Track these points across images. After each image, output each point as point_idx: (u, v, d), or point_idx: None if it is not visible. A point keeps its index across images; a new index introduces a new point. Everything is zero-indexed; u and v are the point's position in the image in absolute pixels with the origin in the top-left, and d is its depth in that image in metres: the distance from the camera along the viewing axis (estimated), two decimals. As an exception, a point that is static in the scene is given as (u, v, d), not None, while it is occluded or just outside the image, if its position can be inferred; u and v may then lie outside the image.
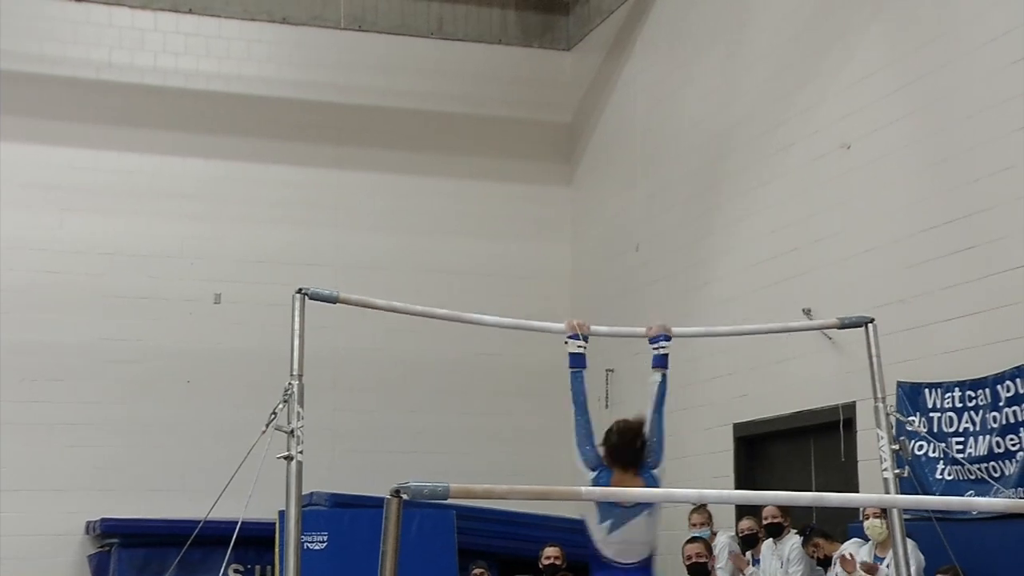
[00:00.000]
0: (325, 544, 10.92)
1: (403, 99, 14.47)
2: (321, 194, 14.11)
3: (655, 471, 5.90)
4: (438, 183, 14.51)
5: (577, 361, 6.10)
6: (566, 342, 6.21)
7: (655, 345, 6.20)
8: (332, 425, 13.00)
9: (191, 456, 12.75)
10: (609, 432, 5.92)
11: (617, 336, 6.57)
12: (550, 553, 10.35)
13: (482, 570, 10.69)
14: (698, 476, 11.47)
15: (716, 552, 9.92)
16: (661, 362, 6.21)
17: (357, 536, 10.69)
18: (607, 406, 13.38)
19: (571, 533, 12.71)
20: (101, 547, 12.58)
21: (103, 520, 12.32)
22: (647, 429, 5.99)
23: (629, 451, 5.81)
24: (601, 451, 5.91)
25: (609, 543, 5.80)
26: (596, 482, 5.81)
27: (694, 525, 10.15)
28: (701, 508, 10.18)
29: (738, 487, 11.01)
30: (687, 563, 9.05)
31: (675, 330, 6.36)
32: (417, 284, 13.44)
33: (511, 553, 11.68)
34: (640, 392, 13.38)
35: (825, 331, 9.88)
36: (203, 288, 13.51)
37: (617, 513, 5.74)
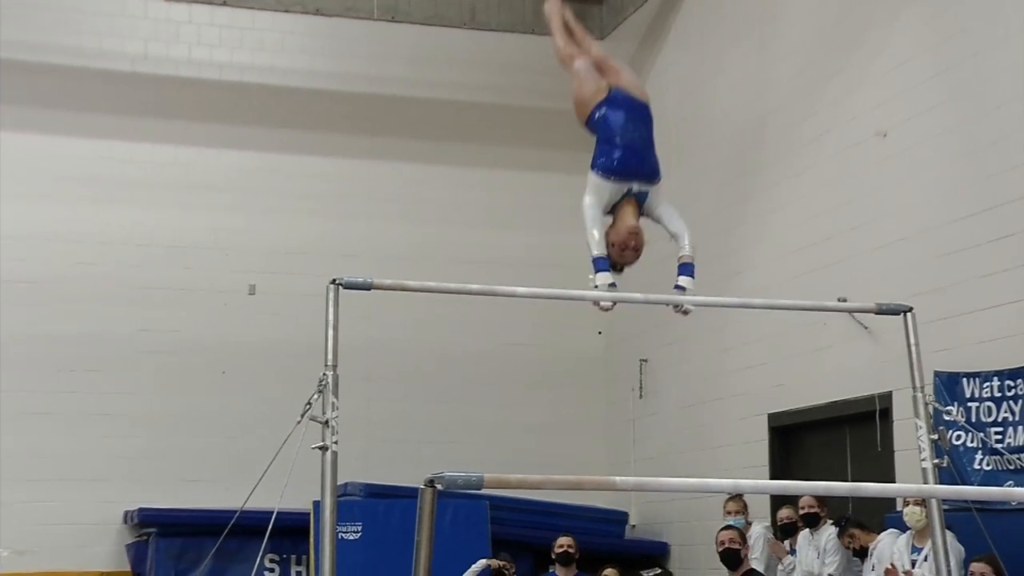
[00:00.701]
0: (359, 534, 10.95)
1: (436, 89, 14.46)
2: (354, 185, 14.13)
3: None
4: (471, 173, 14.50)
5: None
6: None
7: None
8: (366, 415, 13.03)
9: (227, 446, 12.83)
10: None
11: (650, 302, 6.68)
12: (563, 542, 10.54)
13: (504, 562, 10.64)
14: (733, 466, 11.45)
15: (751, 542, 9.90)
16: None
17: (391, 526, 10.74)
18: (641, 396, 13.38)
19: (604, 523, 12.81)
20: (139, 536, 12.68)
21: (141, 510, 12.41)
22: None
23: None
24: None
25: None
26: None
27: (729, 513, 10.14)
28: (736, 497, 10.17)
29: (773, 477, 10.96)
30: (720, 549, 9.03)
31: (712, 300, 6.48)
32: (449, 274, 13.32)
33: (545, 543, 11.66)
34: (674, 381, 13.36)
35: (860, 321, 9.84)
36: (237, 279, 13.56)
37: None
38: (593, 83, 6.52)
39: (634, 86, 6.47)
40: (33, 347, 12.80)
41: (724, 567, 9.18)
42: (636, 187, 6.26)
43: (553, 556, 10.64)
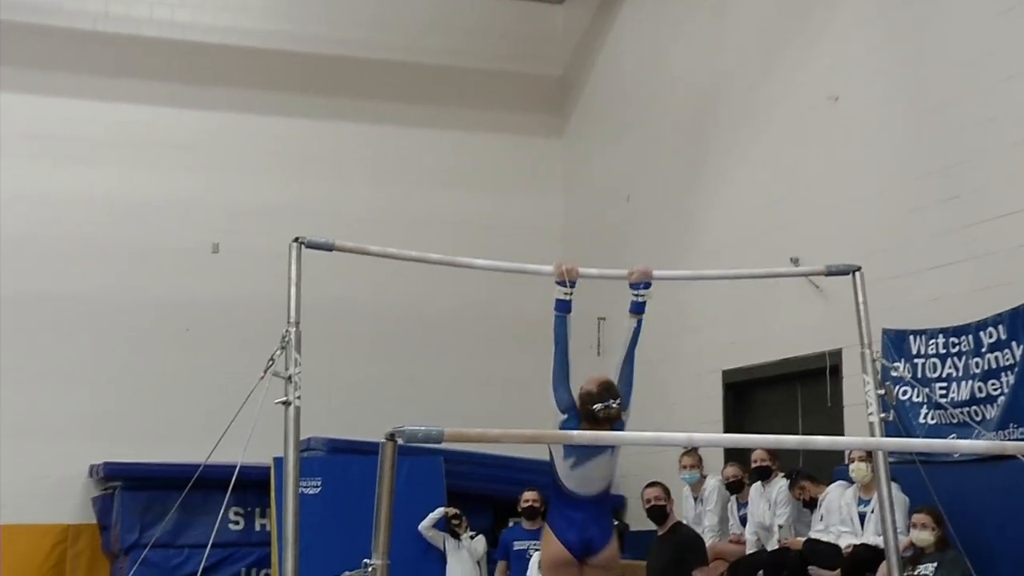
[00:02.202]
0: (319, 489, 11.10)
1: (397, 52, 14.52)
2: (316, 145, 14.21)
3: (623, 417, 6.07)
4: (432, 135, 14.60)
5: (562, 307, 6.31)
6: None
7: (635, 292, 6.41)
8: (329, 372, 13.13)
9: (191, 402, 12.90)
10: (590, 389, 6.12)
11: (603, 278, 6.78)
12: (529, 497, 10.63)
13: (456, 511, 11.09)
14: (687, 422, 11.66)
15: (705, 495, 10.17)
16: (638, 308, 6.45)
17: (349, 482, 10.86)
18: (599, 354, 13.52)
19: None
20: (104, 490, 12.82)
21: (106, 464, 12.53)
22: (617, 375, 6.24)
23: (601, 409, 5.97)
24: (576, 398, 6.12)
25: (571, 477, 6.12)
26: (565, 425, 6.10)
27: (684, 467, 10.34)
28: (692, 451, 10.37)
29: (727, 432, 11.18)
30: (646, 506, 9.11)
31: (666, 273, 6.51)
32: (411, 235, 13.51)
33: (505, 497, 11.84)
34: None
35: (812, 279, 10.04)
36: (200, 238, 13.63)
37: (581, 451, 5.97)
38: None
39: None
40: (-4, 307, 12.85)
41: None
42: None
43: (519, 510, 10.78)
